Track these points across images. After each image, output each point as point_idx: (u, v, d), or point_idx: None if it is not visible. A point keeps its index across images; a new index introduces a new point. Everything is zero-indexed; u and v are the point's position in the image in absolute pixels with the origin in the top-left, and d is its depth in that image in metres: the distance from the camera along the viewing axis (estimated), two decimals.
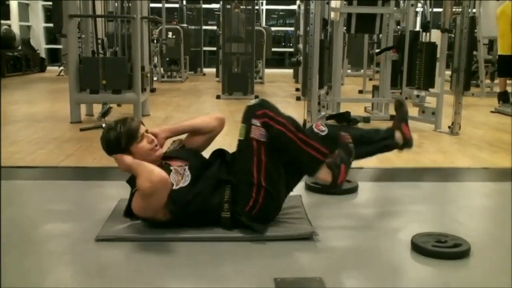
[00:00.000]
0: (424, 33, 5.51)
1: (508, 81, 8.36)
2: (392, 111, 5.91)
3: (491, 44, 9.35)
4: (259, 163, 2.19)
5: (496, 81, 9.51)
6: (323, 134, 2.45)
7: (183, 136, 2.57)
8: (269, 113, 2.21)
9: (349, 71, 12.09)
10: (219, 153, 2.41)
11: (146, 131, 2.36)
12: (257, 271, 1.91)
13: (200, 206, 2.21)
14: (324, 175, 2.27)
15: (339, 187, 2.31)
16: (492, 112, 6.70)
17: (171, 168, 2.26)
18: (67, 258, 2.03)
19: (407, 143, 2.62)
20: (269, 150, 2.20)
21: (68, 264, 1.99)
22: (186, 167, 2.28)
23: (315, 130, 2.47)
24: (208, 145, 2.57)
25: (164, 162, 2.33)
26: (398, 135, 2.62)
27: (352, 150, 2.33)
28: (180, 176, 2.24)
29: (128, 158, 2.23)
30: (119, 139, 2.27)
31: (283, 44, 17.09)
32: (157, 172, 2.05)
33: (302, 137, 2.25)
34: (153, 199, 2.10)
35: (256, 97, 7.77)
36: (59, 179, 3.31)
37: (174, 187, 2.18)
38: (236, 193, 2.22)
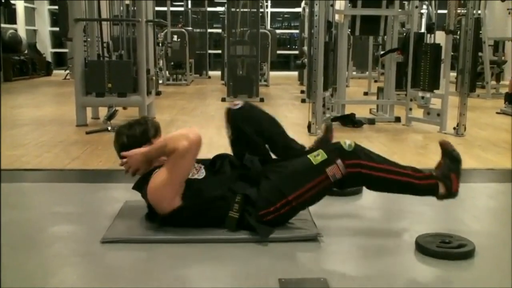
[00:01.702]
0: (428, 35, 5.51)
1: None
2: (397, 112, 5.92)
3: (496, 45, 9.33)
4: (308, 191, 2.18)
5: (502, 82, 9.51)
6: (236, 108, 2.39)
7: None
8: (363, 163, 2.18)
9: (354, 73, 12.08)
10: (225, 157, 2.41)
11: None
12: (262, 271, 1.92)
13: (211, 199, 2.20)
14: (440, 191, 2.28)
15: (454, 194, 2.30)
16: (497, 113, 6.69)
17: None
18: (73, 260, 2.04)
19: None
20: (326, 190, 2.23)
21: (74, 266, 2.00)
22: (202, 166, 2.31)
23: (230, 107, 2.45)
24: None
25: None
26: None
27: (458, 156, 2.32)
28: (196, 171, 2.26)
29: (143, 148, 2.26)
30: (147, 131, 2.33)
31: (288, 46, 17.10)
32: (193, 131, 2.11)
33: (405, 171, 2.26)
34: (187, 161, 2.11)
35: (262, 99, 7.78)
36: (65, 181, 3.33)
37: (190, 177, 2.20)
38: (250, 196, 2.20)
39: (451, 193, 2.28)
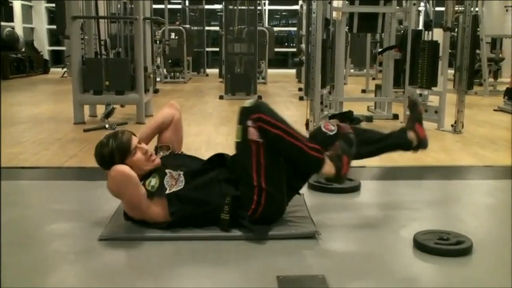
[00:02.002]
0: (426, 32, 5.51)
1: (508, 80, 8.35)
2: (395, 110, 5.93)
3: (494, 43, 9.33)
4: (258, 165, 2.17)
5: (500, 79, 9.52)
6: (331, 133, 2.41)
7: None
8: (264, 117, 2.17)
9: (351, 70, 12.08)
10: (219, 157, 2.40)
11: (139, 142, 2.34)
12: (260, 269, 1.92)
13: (199, 208, 2.22)
14: (327, 169, 2.24)
15: (343, 179, 2.28)
16: (495, 110, 6.70)
17: (166, 171, 2.27)
18: (71, 257, 2.04)
19: (421, 144, 2.55)
20: (268, 152, 2.18)
21: (71, 263, 1.99)
22: (181, 173, 2.28)
23: (324, 129, 2.44)
24: (181, 134, 2.62)
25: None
26: (411, 135, 2.53)
27: (353, 139, 2.32)
28: (174, 181, 2.24)
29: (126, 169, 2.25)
30: (113, 155, 2.25)
31: (286, 44, 17.09)
32: (114, 168, 2.09)
33: (300, 137, 2.24)
34: (126, 194, 2.15)
35: (260, 97, 7.79)
36: (63, 179, 3.33)
37: (168, 191, 2.20)
38: (238, 197, 2.21)
39: (339, 175, 2.24)
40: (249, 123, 2.16)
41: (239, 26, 9.05)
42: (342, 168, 2.24)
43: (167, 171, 2.27)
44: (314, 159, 2.24)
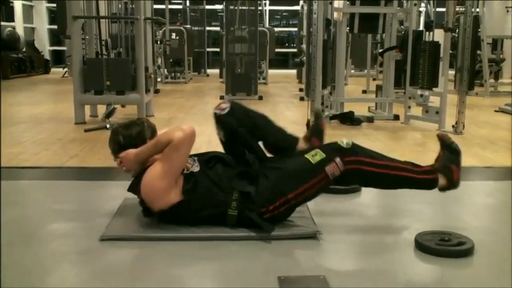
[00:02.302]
0: (427, 33, 5.51)
1: (509, 80, 8.37)
2: (396, 110, 5.93)
3: (495, 44, 9.33)
4: (307, 190, 2.21)
5: (500, 80, 9.52)
6: (223, 112, 2.35)
7: None
8: (362, 159, 2.21)
9: (352, 71, 12.09)
10: (220, 157, 2.39)
11: None
12: (261, 269, 1.92)
13: (211, 191, 2.20)
14: (441, 184, 2.30)
15: (456, 184, 2.32)
16: (496, 111, 6.70)
17: None
18: (72, 258, 2.04)
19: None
20: (325, 187, 2.25)
21: (72, 263, 1.99)
22: (196, 158, 2.30)
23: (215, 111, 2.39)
24: None
25: None
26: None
27: (457, 148, 2.34)
28: (190, 165, 2.25)
29: (135, 149, 2.26)
30: (143, 132, 2.33)
31: (287, 44, 17.09)
32: (189, 125, 2.15)
33: (405, 166, 2.28)
34: (182, 152, 2.13)
35: (261, 98, 7.76)
36: (64, 179, 3.33)
37: (185, 171, 2.21)
38: (249, 193, 2.20)
39: (452, 183, 2.31)
40: (337, 159, 2.19)
41: (241, 26, 9.04)
42: (453, 177, 2.29)
43: None
44: (427, 181, 2.30)
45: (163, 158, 2.15)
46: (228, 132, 2.39)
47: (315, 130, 2.61)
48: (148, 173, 2.17)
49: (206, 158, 2.33)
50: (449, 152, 2.34)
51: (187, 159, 2.25)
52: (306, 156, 2.24)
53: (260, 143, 2.45)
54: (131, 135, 2.33)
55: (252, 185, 2.21)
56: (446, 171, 2.30)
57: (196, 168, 2.25)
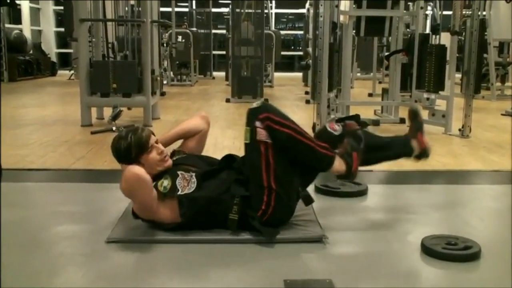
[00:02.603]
0: (433, 36, 5.50)
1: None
2: (402, 113, 5.91)
3: (502, 47, 9.29)
4: (268, 165, 2.18)
5: (507, 83, 9.48)
6: (336, 133, 2.40)
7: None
8: (272, 117, 2.19)
9: (358, 74, 12.07)
10: (229, 158, 2.41)
11: (156, 141, 2.37)
12: (267, 272, 1.92)
13: (208, 209, 2.22)
14: (338, 166, 2.27)
15: (353, 175, 2.31)
16: (502, 114, 6.67)
17: (178, 173, 2.27)
18: (78, 259, 2.05)
19: (424, 153, 2.55)
20: (277, 152, 2.19)
21: (78, 265, 2.00)
22: (193, 174, 2.29)
23: (329, 129, 2.44)
24: (203, 146, 2.64)
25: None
26: (414, 143, 2.54)
27: (361, 135, 2.33)
28: (186, 182, 2.25)
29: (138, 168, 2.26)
30: (129, 149, 2.28)
31: (293, 47, 17.10)
32: (129, 170, 2.07)
33: (309, 136, 2.26)
34: (137, 197, 2.15)
35: (266, 100, 7.79)
36: (70, 181, 3.34)
37: (180, 193, 2.21)
38: (247, 197, 2.21)
39: (350, 172, 2.28)
40: (257, 123, 2.17)
41: (247, 24, 9.01)
42: (352, 164, 2.27)
43: (179, 172, 2.27)
44: (324, 156, 2.26)
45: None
46: None
47: (417, 127, 2.61)
48: (133, 206, 2.26)
49: (205, 171, 2.33)
50: (353, 139, 2.32)
51: (179, 175, 2.25)
52: (244, 140, 2.24)
53: None
54: (120, 150, 2.31)
55: (247, 190, 2.23)
56: (347, 157, 2.28)
57: (192, 186, 2.24)
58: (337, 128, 2.43)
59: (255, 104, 2.25)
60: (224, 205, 2.21)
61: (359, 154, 2.30)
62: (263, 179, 2.18)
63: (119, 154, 2.31)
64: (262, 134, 2.17)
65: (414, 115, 2.65)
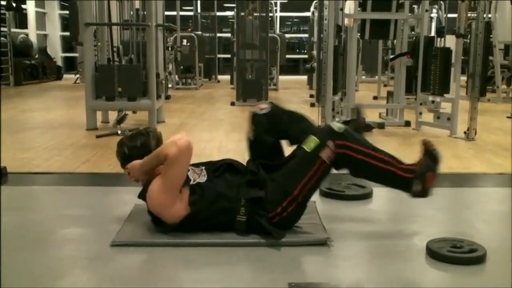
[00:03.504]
0: (438, 39, 5.48)
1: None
2: (407, 116, 5.90)
3: (507, 49, 9.26)
4: (309, 181, 2.19)
5: None
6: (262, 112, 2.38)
7: None
8: (350, 145, 2.20)
9: (363, 77, 12.06)
10: (230, 165, 2.39)
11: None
12: (271, 276, 1.91)
13: (217, 201, 2.21)
14: (414, 189, 2.28)
15: (427, 193, 2.30)
16: (508, 117, 6.64)
17: (189, 167, 2.28)
18: (83, 263, 2.05)
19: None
20: (325, 174, 2.23)
21: (83, 268, 2.00)
22: (203, 168, 2.32)
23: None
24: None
25: None
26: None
27: (437, 156, 2.31)
28: (197, 175, 2.27)
29: (140, 161, 2.27)
30: (147, 143, 2.33)
31: (297, 50, 17.10)
32: (181, 138, 2.13)
33: (387, 159, 2.27)
34: (179, 167, 2.14)
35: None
36: (75, 185, 3.35)
37: (192, 182, 2.22)
38: (256, 200, 2.20)
39: (423, 191, 2.28)
40: (330, 143, 2.19)
41: (251, 20, 9.01)
42: (425, 184, 2.27)
43: (189, 167, 2.28)
44: (404, 180, 2.27)
45: (162, 173, 2.19)
46: (257, 134, 2.41)
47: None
48: (151, 187, 2.21)
49: (214, 167, 2.34)
50: (430, 158, 2.31)
51: (190, 170, 2.26)
52: (302, 145, 2.24)
53: None
54: (135, 146, 2.35)
55: (261, 190, 2.22)
56: (421, 177, 2.27)
57: (203, 178, 2.27)
58: (263, 106, 2.41)
59: (337, 125, 2.26)
60: (233, 203, 2.20)
61: (435, 174, 2.29)
62: (296, 188, 2.18)
63: (135, 150, 2.32)
64: (328, 154, 2.18)
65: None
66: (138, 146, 2.34)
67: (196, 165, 2.34)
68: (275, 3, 14.66)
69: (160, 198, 2.18)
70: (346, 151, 2.19)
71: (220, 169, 2.34)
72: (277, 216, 2.19)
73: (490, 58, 8.45)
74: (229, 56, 13.08)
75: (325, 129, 2.29)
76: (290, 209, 2.20)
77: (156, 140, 2.38)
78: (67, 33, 13.35)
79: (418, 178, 2.27)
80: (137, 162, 2.29)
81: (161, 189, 2.17)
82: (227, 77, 12.58)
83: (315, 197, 2.71)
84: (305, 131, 2.37)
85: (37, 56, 12.76)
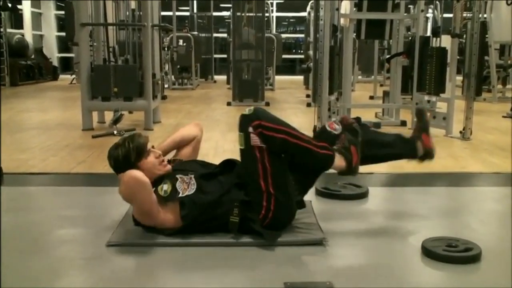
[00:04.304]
0: (434, 38, 5.50)
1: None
2: (403, 116, 5.91)
3: (503, 49, 9.29)
4: (265, 171, 2.17)
5: (508, 86, 9.48)
6: (336, 133, 2.38)
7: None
8: (264, 123, 2.17)
9: (359, 77, 12.08)
10: (228, 163, 2.41)
11: (152, 147, 2.39)
12: (267, 275, 1.92)
13: (209, 211, 2.21)
14: (338, 163, 2.26)
15: (355, 170, 2.29)
16: (503, 117, 6.67)
17: (177, 176, 2.28)
18: (79, 263, 2.05)
19: (428, 154, 2.49)
20: (273, 156, 2.19)
21: (79, 269, 2.00)
22: (192, 176, 2.29)
23: (329, 129, 2.42)
24: (197, 153, 2.64)
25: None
26: (419, 144, 2.48)
27: (357, 129, 2.32)
28: (186, 185, 2.25)
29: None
30: (128, 155, 2.29)
31: (294, 50, 17.12)
32: (128, 173, 2.09)
33: (306, 138, 2.25)
34: (137, 200, 2.15)
35: (267, 104, 7.79)
36: (71, 185, 3.34)
37: (180, 195, 2.21)
38: (247, 202, 2.21)
39: (351, 167, 2.27)
40: (250, 129, 2.17)
41: (248, 29, 9.03)
42: (352, 159, 2.26)
43: (177, 176, 2.28)
44: (323, 156, 2.25)
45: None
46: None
47: (423, 127, 2.58)
48: (133, 212, 2.26)
49: (204, 173, 2.34)
50: (350, 133, 2.31)
51: (178, 179, 2.26)
52: (239, 145, 2.23)
53: None
54: (117, 159, 2.31)
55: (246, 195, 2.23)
56: (345, 152, 2.27)
57: (192, 188, 2.25)
58: (336, 128, 2.41)
59: (247, 110, 2.24)
60: (225, 207, 2.21)
61: (358, 148, 2.28)
62: (261, 184, 2.17)
63: (117, 162, 2.31)
64: (256, 140, 2.17)
65: (420, 115, 2.61)
66: (120, 160, 2.30)
67: (186, 173, 2.32)
68: (271, 3, 14.67)
69: (144, 220, 2.24)
70: (261, 130, 2.16)
71: (212, 173, 2.34)
72: (266, 218, 2.19)
73: (486, 58, 8.47)
74: (225, 56, 13.07)
75: (240, 120, 2.23)
76: (272, 207, 2.18)
77: (136, 154, 2.29)
78: (63, 34, 13.31)
79: (343, 154, 2.26)
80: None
81: (139, 215, 2.23)
82: (224, 77, 12.58)
83: (311, 196, 2.73)
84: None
85: (33, 56, 12.73)
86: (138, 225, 2.28)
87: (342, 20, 5.67)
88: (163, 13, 9.36)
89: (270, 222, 2.19)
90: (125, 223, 2.37)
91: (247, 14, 8.94)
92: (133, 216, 2.29)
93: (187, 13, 14.03)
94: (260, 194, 2.18)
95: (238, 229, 2.20)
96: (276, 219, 2.20)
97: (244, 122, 2.20)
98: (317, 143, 2.27)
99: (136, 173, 2.09)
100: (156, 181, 2.25)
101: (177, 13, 12.01)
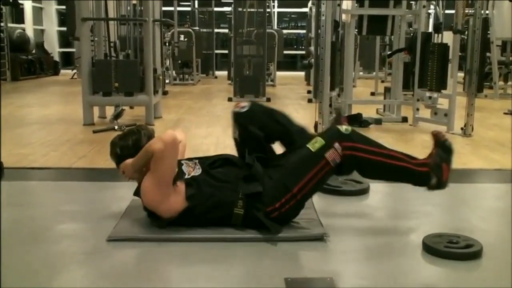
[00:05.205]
0: (436, 35, 5.48)
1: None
2: (404, 112, 5.90)
3: (504, 46, 9.27)
4: (311, 180, 2.19)
5: (510, 82, 9.47)
6: (243, 110, 2.34)
7: None
8: (359, 146, 2.21)
9: (361, 73, 12.06)
10: (227, 159, 2.39)
11: None
12: (268, 271, 1.92)
13: (214, 196, 2.20)
14: (431, 181, 2.29)
15: (444, 185, 2.32)
16: (505, 113, 6.66)
17: (182, 161, 2.30)
18: (79, 258, 2.05)
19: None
20: (327, 176, 2.24)
21: (80, 264, 2.00)
22: (197, 161, 2.32)
23: (235, 109, 2.39)
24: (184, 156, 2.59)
25: None
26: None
27: (450, 146, 2.33)
28: (192, 169, 2.27)
29: (131, 160, 2.27)
30: (139, 141, 2.30)
31: (295, 46, 17.09)
32: (166, 132, 2.13)
33: (399, 155, 2.28)
34: (166, 161, 2.13)
35: (268, 99, 7.78)
36: (72, 180, 3.34)
37: (187, 176, 2.22)
38: (254, 195, 2.20)
39: (441, 183, 2.29)
40: (336, 145, 2.19)
41: (249, 28, 9.06)
42: (442, 175, 2.28)
43: (182, 161, 2.30)
44: (422, 175, 2.28)
45: (151, 169, 2.18)
46: (242, 131, 2.39)
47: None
48: (143, 184, 2.21)
49: (210, 161, 2.34)
50: (442, 150, 2.32)
51: (183, 164, 2.27)
52: (308, 145, 2.23)
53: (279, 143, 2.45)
54: (127, 146, 2.33)
55: (259, 185, 2.21)
56: (436, 169, 2.28)
57: (198, 171, 2.26)
58: (242, 104, 2.40)
59: (344, 127, 2.26)
60: (230, 197, 2.20)
61: (449, 165, 2.30)
62: (297, 186, 2.18)
63: (124, 150, 2.32)
64: (333, 156, 2.19)
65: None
66: (130, 145, 2.33)
67: (190, 159, 2.35)
68: None
69: (153, 193, 2.18)
70: (354, 152, 2.20)
71: (216, 163, 2.34)
72: (276, 211, 2.19)
73: (488, 54, 8.47)
74: (226, 51, 13.06)
75: (332, 131, 2.28)
76: (288, 206, 2.20)
77: (147, 137, 2.35)
78: (64, 28, 13.32)
79: (433, 171, 2.27)
80: (129, 162, 2.29)
81: (152, 185, 2.17)
82: (225, 72, 12.56)
83: None
84: (300, 131, 2.40)
85: (34, 51, 12.72)
86: (145, 210, 2.27)
87: (343, 16, 5.65)
88: (164, 8, 9.34)
89: (277, 216, 2.19)
90: (126, 218, 2.38)
91: (249, 10, 8.93)
92: (140, 194, 2.24)
93: (189, 8, 14.01)
94: (285, 191, 2.19)
95: (241, 223, 2.20)
96: (284, 215, 2.22)
97: (332, 134, 2.24)
98: (410, 160, 2.28)
99: (177, 135, 2.14)
100: None
101: (179, 8, 11.99)
